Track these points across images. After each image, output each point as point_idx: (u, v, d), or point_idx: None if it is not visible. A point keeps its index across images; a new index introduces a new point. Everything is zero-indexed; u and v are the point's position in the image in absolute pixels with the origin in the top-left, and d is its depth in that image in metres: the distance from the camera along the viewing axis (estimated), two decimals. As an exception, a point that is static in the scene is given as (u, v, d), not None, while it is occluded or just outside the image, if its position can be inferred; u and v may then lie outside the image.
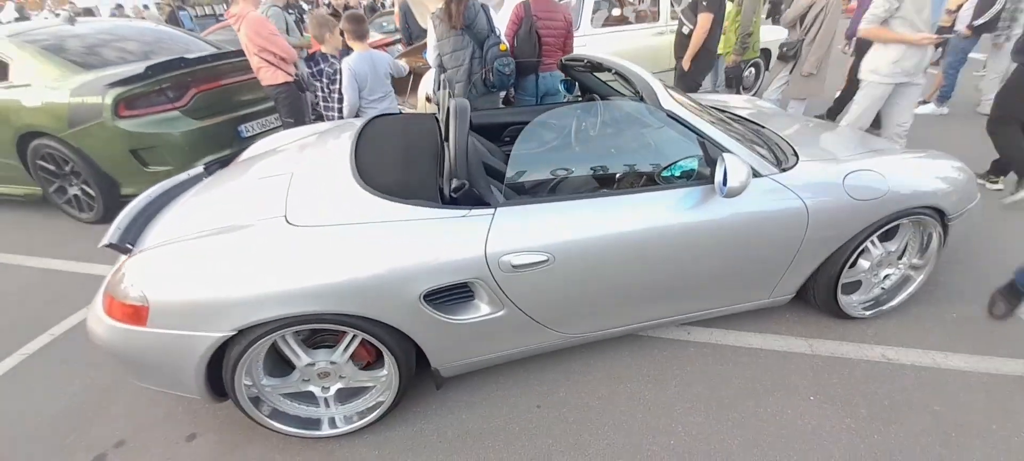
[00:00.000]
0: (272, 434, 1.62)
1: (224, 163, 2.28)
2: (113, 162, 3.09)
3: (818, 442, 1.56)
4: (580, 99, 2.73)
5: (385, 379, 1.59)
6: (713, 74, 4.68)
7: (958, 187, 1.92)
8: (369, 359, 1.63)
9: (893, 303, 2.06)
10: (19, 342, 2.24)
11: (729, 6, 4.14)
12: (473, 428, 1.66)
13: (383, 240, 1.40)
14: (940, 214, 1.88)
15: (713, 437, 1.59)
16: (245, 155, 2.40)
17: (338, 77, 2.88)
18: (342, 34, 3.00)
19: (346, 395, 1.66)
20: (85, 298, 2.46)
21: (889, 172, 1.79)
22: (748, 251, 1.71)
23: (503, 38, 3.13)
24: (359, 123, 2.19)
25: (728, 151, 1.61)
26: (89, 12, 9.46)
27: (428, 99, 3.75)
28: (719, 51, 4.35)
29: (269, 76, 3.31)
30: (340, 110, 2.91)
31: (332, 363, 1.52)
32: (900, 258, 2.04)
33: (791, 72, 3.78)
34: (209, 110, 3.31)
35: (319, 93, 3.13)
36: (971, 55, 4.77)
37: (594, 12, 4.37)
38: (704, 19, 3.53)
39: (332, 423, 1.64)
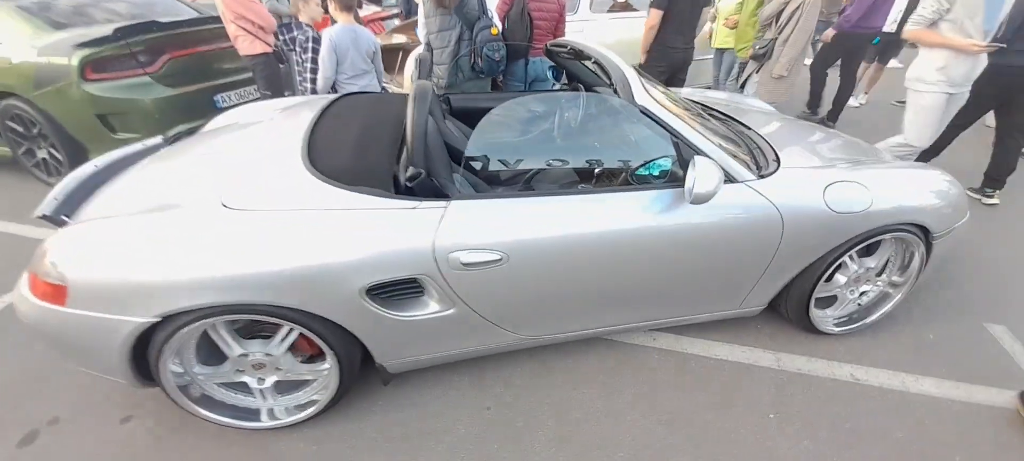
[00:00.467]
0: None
1: (193, 133, 2.18)
2: (80, 126, 2.99)
3: (772, 464, 1.50)
4: (565, 87, 2.62)
5: (327, 374, 1.52)
6: (717, 68, 4.54)
7: (946, 203, 1.82)
8: (312, 351, 1.56)
9: (867, 321, 1.99)
10: (-32, 308, 2.18)
11: (732, 3, 3.98)
12: (417, 428, 1.60)
13: (323, 230, 1.31)
14: (925, 231, 1.80)
15: (663, 452, 1.53)
16: (208, 127, 2.30)
17: (310, 46, 2.74)
18: (325, 6, 2.86)
19: (287, 387, 1.60)
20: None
21: (873, 185, 1.69)
22: (717, 260, 1.62)
23: (495, 21, 2.99)
24: (326, 100, 2.08)
25: (701, 153, 1.51)
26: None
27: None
28: (729, 45, 4.20)
29: (247, 45, 3.19)
30: (313, 82, 2.79)
31: (268, 355, 1.45)
32: (879, 275, 1.96)
33: (758, 72, 3.62)
34: (183, 77, 3.19)
35: (295, 64, 3.00)
36: None
37: (593, -4, 4.20)
38: (652, 14, 3.25)
39: (271, 414, 1.58)
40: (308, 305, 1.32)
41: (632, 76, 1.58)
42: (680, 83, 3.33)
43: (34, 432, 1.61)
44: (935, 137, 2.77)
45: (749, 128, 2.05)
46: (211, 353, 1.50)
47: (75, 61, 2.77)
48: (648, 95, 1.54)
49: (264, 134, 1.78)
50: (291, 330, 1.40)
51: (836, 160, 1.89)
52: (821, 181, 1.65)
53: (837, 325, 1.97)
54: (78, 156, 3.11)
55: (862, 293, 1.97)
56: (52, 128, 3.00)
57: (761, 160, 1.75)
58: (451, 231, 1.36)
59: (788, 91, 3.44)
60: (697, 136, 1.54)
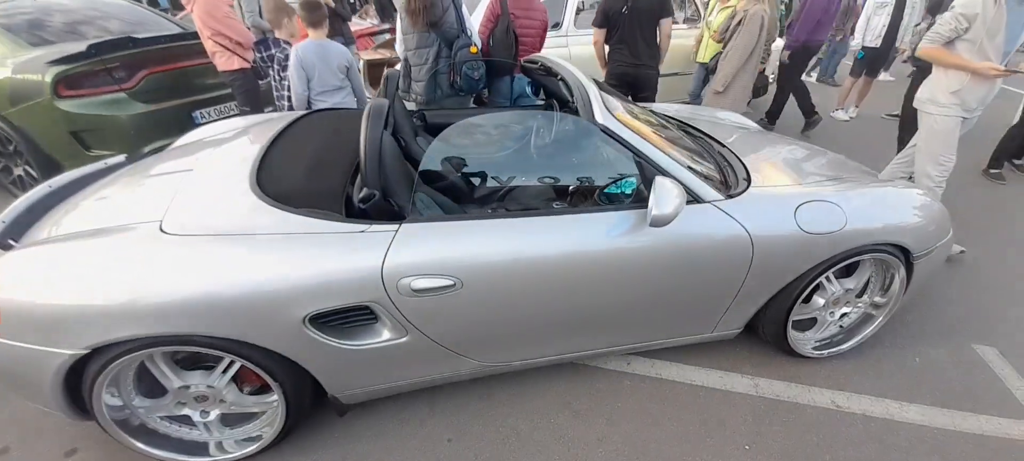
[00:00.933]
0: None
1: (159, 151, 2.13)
2: (54, 144, 2.94)
3: (745, 500, 1.42)
4: (544, 104, 2.58)
5: (276, 406, 1.45)
6: (697, 83, 4.50)
7: (926, 221, 1.76)
8: (260, 382, 1.49)
9: (849, 345, 1.91)
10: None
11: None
12: (375, 461, 1.53)
13: (263, 255, 1.25)
14: (904, 251, 1.73)
15: (632, 487, 1.45)
16: (176, 144, 2.26)
17: (286, 63, 2.71)
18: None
19: (236, 419, 1.52)
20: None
21: (848, 204, 1.63)
22: (685, 284, 1.56)
23: (475, 38, 2.96)
24: (290, 118, 2.04)
25: (664, 173, 1.45)
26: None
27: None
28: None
29: (224, 62, 3.15)
30: (290, 99, 2.75)
31: (210, 387, 1.38)
32: (860, 296, 1.88)
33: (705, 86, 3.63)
34: (160, 93, 3.15)
35: (272, 81, 2.98)
36: None
37: (578, 12, 4.18)
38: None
39: (221, 448, 1.51)
40: (247, 336, 1.25)
41: (593, 94, 1.54)
42: (647, 101, 3.27)
43: (-24, 464, 1.53)
44: (954, 160, 2.48)
45: (723, 145, 2.00)
46: (154, 385, 1.43)
47: (49, 78, 2.74)
48: (609, 113, 1.49)
49: (219, 154, 1.73)
50: (232, 362, 1.33)
51: (812, 178, 1.83)
52: (793, 201, 1.59)
53: (817, 348, 1.90)
54: (53, 173, 3.04)
55: (843, 315, 1.89)
56: (27, 145, 2.97)
57: (731, 179, 1.69)
58: (401, 255, 1.30)
59: (733, 106, 3.34)
60: (660, 155, 1.49)
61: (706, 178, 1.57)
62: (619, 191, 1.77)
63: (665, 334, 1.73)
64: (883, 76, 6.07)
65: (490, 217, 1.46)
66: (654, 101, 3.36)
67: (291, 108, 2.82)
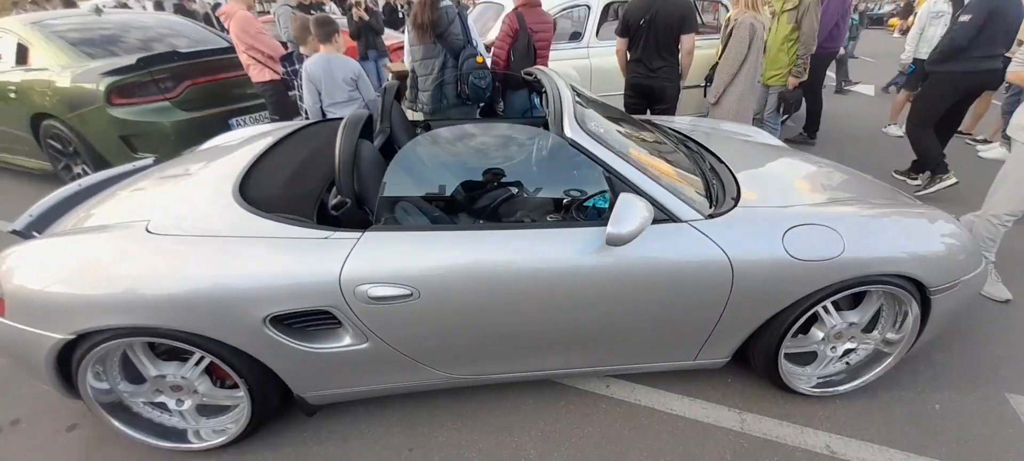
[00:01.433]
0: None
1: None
2: (106, 146, 3.27)
3: (709, 544, 1.31)
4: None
5: (243, 401, 1.52)
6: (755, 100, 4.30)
7: (946, 252, 1.58)
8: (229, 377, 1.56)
9: (848, 386, 1.73)
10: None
11: (774, 25, 3.75)
12: (335, 464, 1.55)
13: (230, 257, 1.32)
14: (919, 285, 1.56)
15: (588, 517, 1.39)
16: (200, 149, 2.44)
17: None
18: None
19: (213, 410, 1.60)
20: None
21: (848, 229, 1.49)
22: (656, 307, 1.48)
23: (480, 48, 3.01)
24: (293, 126, 2.15)
25: (633, 189, 1.40)
26: (123, 5, 10.33)
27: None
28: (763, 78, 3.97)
29: (257, 73, 3.39)
30: (307, 111, 2.91)
31: (184, 378, 1.46)
32: (869, 331, 1.71)
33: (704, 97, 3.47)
34: (201, 102, 3.43)
35: (297, 92, 3.16)
36: None
37: (600, 23, 4.13)
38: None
39: (198, 436, 1.59)
40: (214, 332, 1.32)
41: (568, 107, 1.51)
42: (665, 114, 3.15)
43: (-5, 432, 1.71)
44: None
45: (721, 161, 1.89)
46: (137, 371, 1.53)
47: (102, 87, 3.06)
48: (579, 126, 1.45)
49: (219, 159, 1.85)
50: (203, 356, 1.41)
51: (815, 199, 1.69)
52: (782, 223, 1.48)
53: (818, 386, 1.74)
54: (105, 173, 3.40)
55: (847, 351, 1.73)
56: (84, 147, 3.31)
57: (720, 196, 1.60)
58: (360, 263, 1.33)
59: (735, 118, 3.15)
60: (630, 170, 1.43)
61: (687, 196, 1.49)
62: (592, 206, 1.72)
63: (641, 358, 1.65)
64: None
65: (452, 228, 1.46)
66: (673, 114, 3.26)
67: (308, 118, 2.98)
